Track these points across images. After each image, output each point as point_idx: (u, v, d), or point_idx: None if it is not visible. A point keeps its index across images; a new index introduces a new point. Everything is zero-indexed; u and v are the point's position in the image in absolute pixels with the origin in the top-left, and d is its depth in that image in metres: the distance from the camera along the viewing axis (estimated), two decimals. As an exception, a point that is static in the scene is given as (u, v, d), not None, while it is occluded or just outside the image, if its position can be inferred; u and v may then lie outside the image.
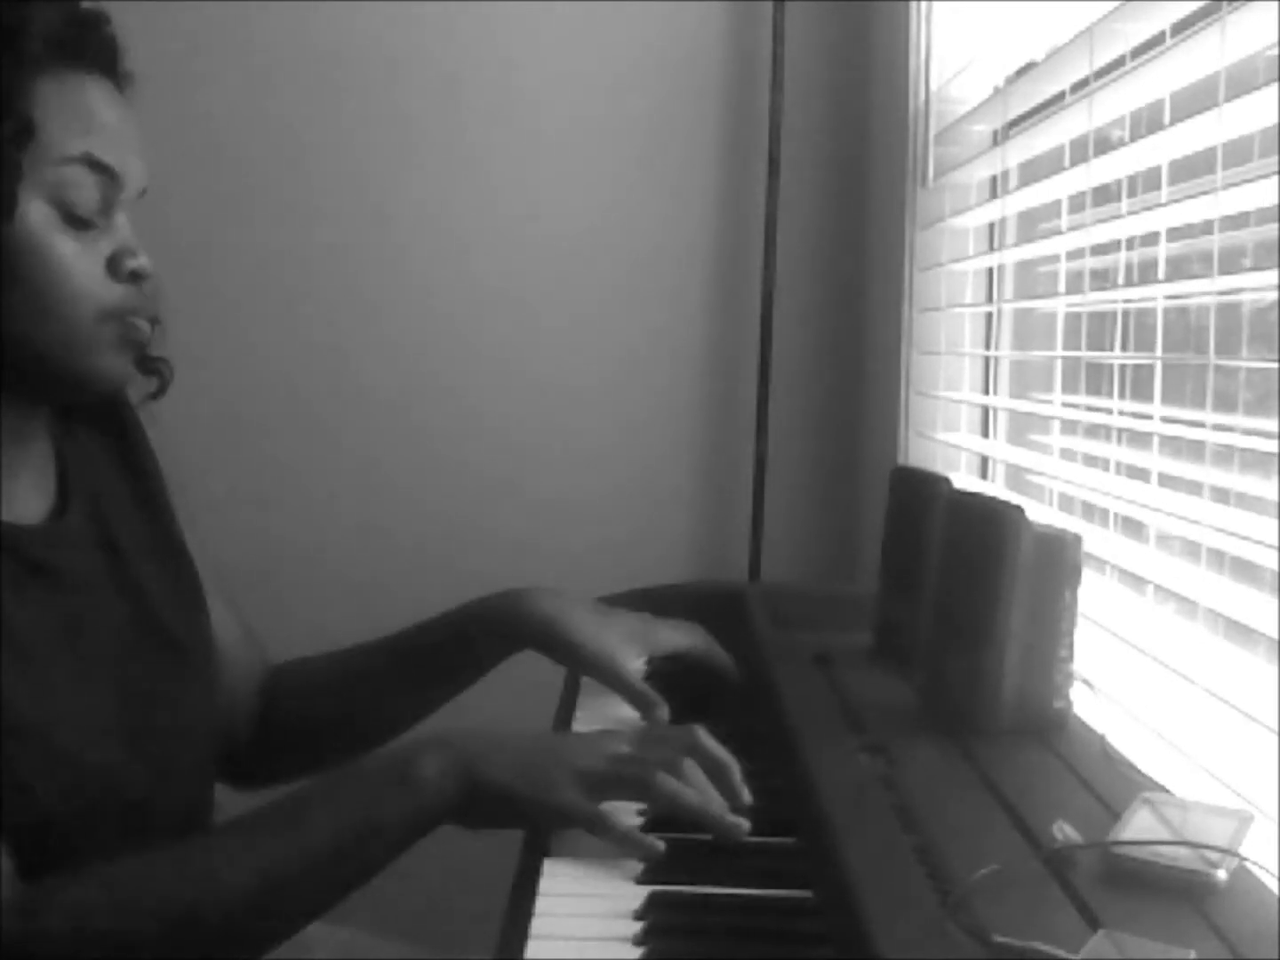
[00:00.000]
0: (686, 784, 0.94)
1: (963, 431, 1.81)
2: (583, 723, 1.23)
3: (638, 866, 0.90)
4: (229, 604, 1.26)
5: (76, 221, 1.00)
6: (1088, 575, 1.09)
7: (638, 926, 0.82)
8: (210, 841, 1.02)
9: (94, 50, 1.03)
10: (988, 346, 1.82)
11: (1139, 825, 0.83)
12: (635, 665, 1.26)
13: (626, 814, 0.96)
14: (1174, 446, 1.25)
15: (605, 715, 1.24)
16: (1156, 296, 1.26)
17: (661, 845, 0.92)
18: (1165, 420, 1.25)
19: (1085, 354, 1.48)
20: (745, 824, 0.93)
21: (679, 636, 1.32)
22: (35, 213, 0.98)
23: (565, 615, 1.25)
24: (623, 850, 0.92)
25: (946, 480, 1.25)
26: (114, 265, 1.02)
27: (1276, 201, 0.97)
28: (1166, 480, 1.23)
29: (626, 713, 1.23)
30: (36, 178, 0.97)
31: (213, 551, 1.24)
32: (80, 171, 0.99)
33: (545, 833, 0.96)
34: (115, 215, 1.02)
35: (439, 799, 0.94)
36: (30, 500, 1.06)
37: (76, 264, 1.00)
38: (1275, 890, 0.77)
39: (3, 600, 0.97)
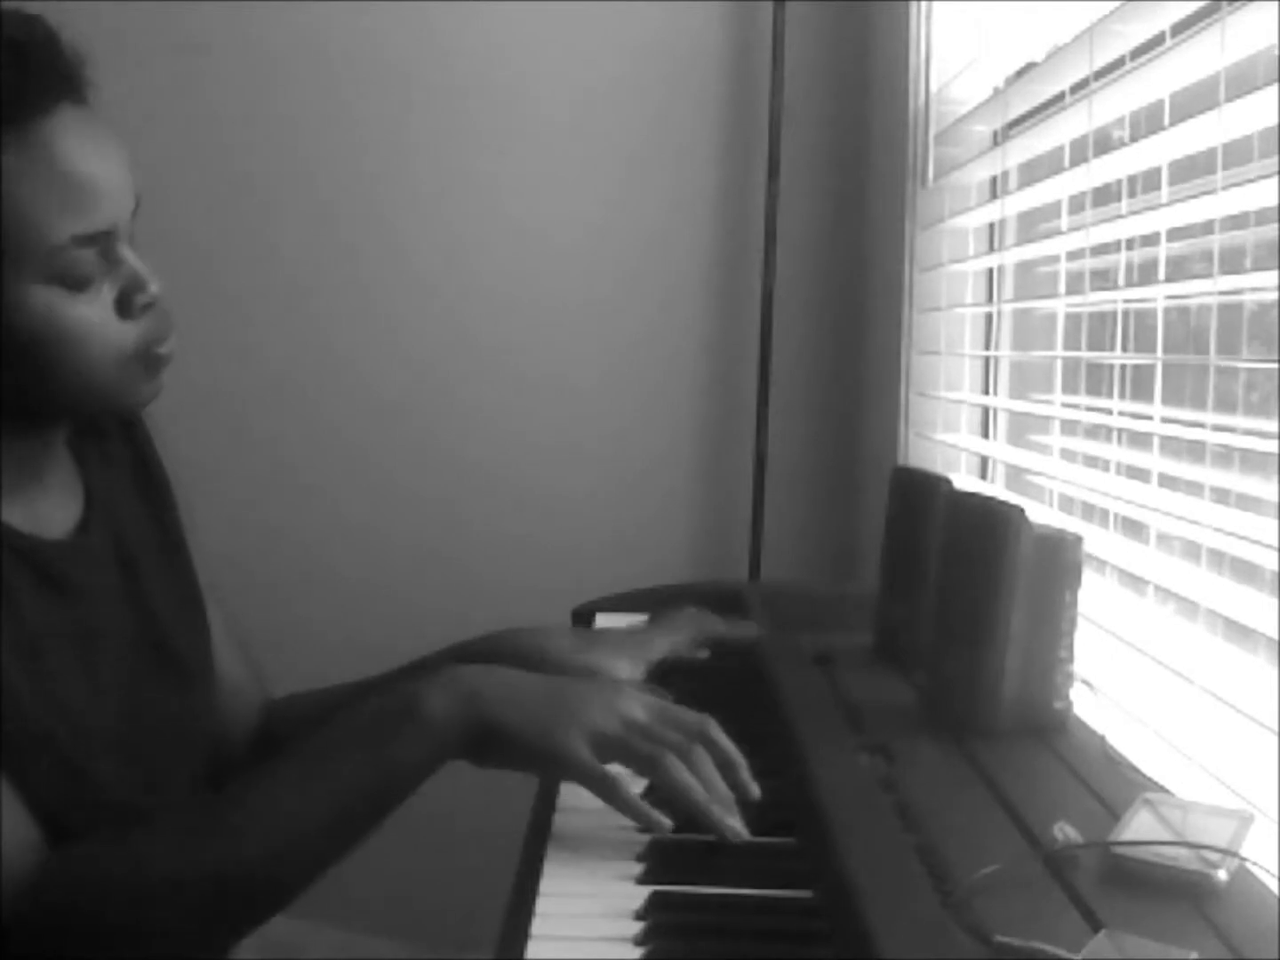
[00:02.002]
0: (695, 773, 0.94)
1: (963, 432, 1.81)
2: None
3: (638, 866, 0.90)
4: (234, 635, 1.26)
5: (79, 285, 0.96)
6: (1088, 576, 1.09)
7: (638, 926, 0.82)
8: (226, 791, 1.01)
9: (53, 83, 0.94)
10: (988, 347, 1.82)
11: (1139, 826, 0.83)
12: (631, 676, 1.24)
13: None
14: (1174, 447, 1.25)
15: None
16: (1157, 297, 1.26)
17: (669, 823, 0.91)
18: (1165, 421, 1.25)
19: (1085, 354, 1.48)
20: (744, 831, 0.93)
21: (673, 638, 1.30)
22: (36, 296, 0.94)
23: (550, 643, 1.23)
24: (627, 818, 0.92)
25: (947, 480, 1.25)
26: (124, 306, 0.99)
27: (1277, 201, 0.97)
28: (1166, 481, 1.23)
29: None
30: (28, 275, 0.94)
31: (210, 552, 1.24)
32: (71, 252, 0.94)
33: (551, 784, 0.96)
34: (115, 254, 0.98)
35: (447, 736, 0.94)
36: (56, 515, 1.06)
37: (88, 323, 0.97)
38: (1275, 890, 0.77)
39: (21, 609, 0.97)
